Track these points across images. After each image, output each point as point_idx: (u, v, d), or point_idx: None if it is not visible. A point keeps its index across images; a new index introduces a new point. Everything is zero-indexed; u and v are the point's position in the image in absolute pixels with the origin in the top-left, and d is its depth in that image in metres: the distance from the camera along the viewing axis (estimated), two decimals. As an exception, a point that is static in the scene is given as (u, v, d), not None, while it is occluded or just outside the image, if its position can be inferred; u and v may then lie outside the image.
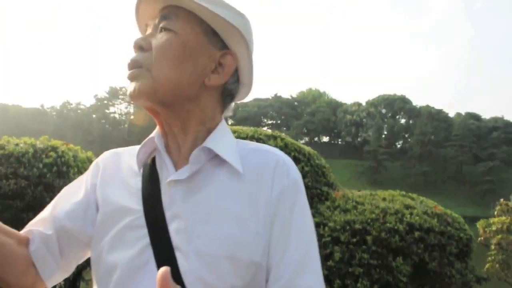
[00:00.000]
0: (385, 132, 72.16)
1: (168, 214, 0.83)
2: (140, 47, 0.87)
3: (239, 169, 0.86)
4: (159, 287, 0.50)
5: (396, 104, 73.13)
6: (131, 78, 0.86)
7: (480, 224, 7.37)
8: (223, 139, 0.90)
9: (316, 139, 79.73)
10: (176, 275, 0.78)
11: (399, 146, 73.27)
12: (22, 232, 0.90)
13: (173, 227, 0.82)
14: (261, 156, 0.91)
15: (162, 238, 0.81)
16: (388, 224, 4.35)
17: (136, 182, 0.90)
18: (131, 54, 0.91)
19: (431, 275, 4.21)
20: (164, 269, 0.50)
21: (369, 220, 4.42)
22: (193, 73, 0.88)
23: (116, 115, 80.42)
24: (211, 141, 0.88)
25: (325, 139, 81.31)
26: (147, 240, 0.82)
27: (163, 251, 0.81)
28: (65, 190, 0.98)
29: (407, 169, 63.31)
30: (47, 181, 4.28)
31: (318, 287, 0.84)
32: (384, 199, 4.98)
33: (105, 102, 79.64)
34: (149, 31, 0.91)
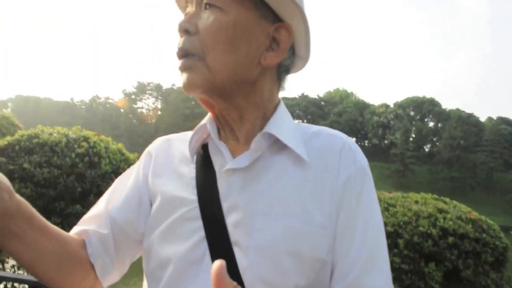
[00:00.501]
0: (413, 135, 70.95)
1: (225, 205, 0.77)
2: (186, 30, 0.79)
3: (304, 155, 0.79)
4: (214, 282, 0.44)
5: (424, 107, 71.78)
6: (183, 69, 0.79)
7: (515, 233, 7.12)
8: (283, 123, 0.83)
9: (342, 140, 78.95)
10: (234, 272, 0.72)
11: (427, 149, 71.92)
12: (77, 230, 0.86)
13: (231, 220, 0.76)
14: (326, 140, 0.83)
15: (218, 231, 0.76)
16: (421, 228, 4.24)
17: (190, 171, 0.84)
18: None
19: (465, 283, 4.07)
20: (219, 262, 0.45)
21: (401, 223, 4.32)
22: (249, 54, 0.80)
23: (144, 110, 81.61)
24: (272, 125, 0.81)
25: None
26: (202, 233, 0.76)
27: (220, 245, 0.75)
28: (118, 182, 0.94)
29: (435, 173, 62.05)
30: (79, 171, 4.34)
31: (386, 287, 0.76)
32: (416, 202, 4.86)
33: (133, 97, 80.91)
34: (189, 8, 0.82)
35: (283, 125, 0.82)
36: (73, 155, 4.39)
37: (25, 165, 4.12)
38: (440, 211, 4.59)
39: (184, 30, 0.79)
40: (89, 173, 4.38)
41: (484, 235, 4.39)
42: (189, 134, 0.91)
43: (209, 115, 0.88)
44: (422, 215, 4.44)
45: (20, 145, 4.35)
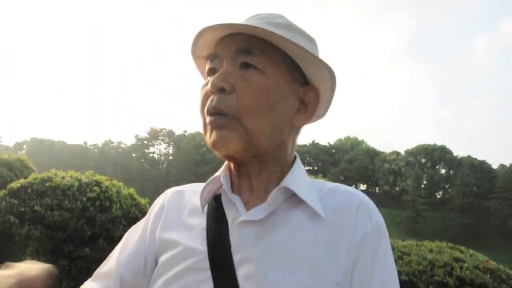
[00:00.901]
0: (424, 182, 70.24)
1: (236, 257, 0.76)
2: (222, 89, 0.77)
3: (320, 211, 0.78)
4: None
5: (435, 154, 71.47)
6: (217, 127, 0.77)
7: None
8: (300, 178, 0.83)
9: (353, 186, 78.39)
10: None
11: (439, 196, 70.90)
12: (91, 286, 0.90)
13: (242, 272, 0.74)
14: (342, 197, 0.83)
15: (228, 284, 0.74)
16: (436, 277, 4.11)
17: (201, 221, 0.84)
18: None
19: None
20: None
21: (416, 272, 4.19)
22: (284, 117, 0.81)
23: (155, 155, 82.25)
24: (289, 180, 0.81)
25: (363, 187, 79.79)
26: (210, 284, 0.75)
27: None
28: (128, 236, 0.95)
29: (448, 220, 60.76)
30: (89, 215, 4.33)
31: None
32: (431, 251, 4.74)
33: (145, 142, 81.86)
34: (216, 64, 0.81)
35: (299, 180, 0.82)
36: (84, 199, 4.40)
37: (36, 208, 4.13)
38: (456, 260, 4.46)
39: (220, 89, 0.77)
40: (100, 217, 4.36)
41: (503, 285, 4.24)
42: (200, 185, 0.91)
43: (223, 167, 0.88)
44: (437, 264, 4.31)
45: (33, 188, 4.37)
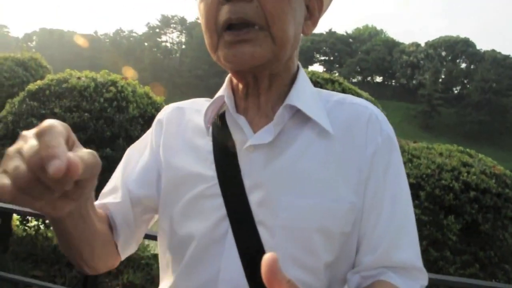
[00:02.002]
0: (443, 76, 68.75)
1: (247, 182, 0.74)
2: None
3: (328, 128, 0.74)
4: (266, 277, 0.36)
5: (457, 47, 68.84)
6: (242, 42, 0.69)
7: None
8: (305, 92, 0.78)
9: (369, 78, 77.36)
10: (259, 252, 0.70)
11: (456, 91, 69.87)
12: (98, 204, 0.84)
13: (255, 198, 0.73)
14: (350, 110, 0.78)
15: (241, 210, 0.73)
16: (443, 181, 4.25)
17: (206, 143, 0.80)
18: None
19: (482, 236, 4.14)
20: (271, 255, 0.36)
21: (424, 176, 4.33)
22: (300, 24, 0.76)
23: (168, 44, 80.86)
24: (294, 96, 0.76)
25: (379, 79, 78.66)
26: (223, 211, 0.74)
27: (243, 224, 0.72)
28: (132, 152, 0.90)
29: (462, 116, 60.62)
30: (107, 115, 4.44)
31: (415, 261, 0.75)
32: (440, 154, 4.84)
33: (157, 30, 79.95)
34: None
35: (305, 94, 0.78)
36: (101, 99, 4.48)
37: (56, 110, 4.24)
38: (465, 164, 4.57)
39: None
40: (118, 117, 4.47)
41: (506, 190, 4.38)
42: (200, 102, 0.89)
43: (225, 85, 0.82)
44: (445, 168, 4.43)
45: (50, 90, 4.44)
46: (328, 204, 0.71)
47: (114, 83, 4.82)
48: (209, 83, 61.68)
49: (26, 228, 4.63)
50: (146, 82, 5.57)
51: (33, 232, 4.54)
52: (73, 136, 0.50)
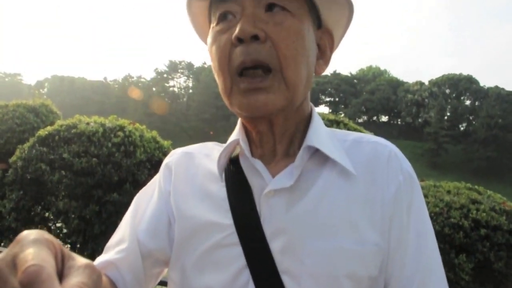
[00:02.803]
0: (448, 114, 68.83)
1: (268, 229, 0.70)
2: (256, 37, 0.66)
3: (349, 168, 0.72)
4: None
5: (461, 85, 69.30)
6: (257, 91, 0.67)
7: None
8: (321, 132, 0.76)
9: (374, 118, 77.73)
10: None
11: (462, 128, 69.70)
12: (104, 261, 0.78)
13: (277, 246, 0.69)
14: (369, 149, 0.76)
15: (263, 259, 0.69)
16: (452, 220, 4.21)
17: (219, 189, 0.76)
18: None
19: (496, 275, 4.04)
20: None
21: (432, 214, 4.29)
22: (313, 65, 0.74)
23: (175, 89, 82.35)
24: (313, 136, 0.73)
25: (384, 118, 78.96)
26: (242, 260, 0.69)
27: (265, 274, 0.68)
28: (140, 200, 0.85)
29: (470, 153, 60.24)
30: (115, 160, 4.50)
31: None
32: (448, 192, 4.81)
33: (165, 75, 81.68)
34: (234, 7, 0.69)
35: (321, 135, 0.76)
36: (109, 144, 4.56)
37: (65, 155, 4.32)
38: (473, 201, 4.53)
39: (253, 36, 0.66)
40: (125, 162, 4.53)
41: (518, 227, 4.32)
42: (209, 146, 0.86)
43: (238, 129, 0.79)
44: (454, 206, 4.40)
45: (60, 135, 4.54)
46: (354, 247, 0.68)
47: (122, 128, 4.92)
48: (216, 126, 62.28)
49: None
50: (153, 126, 5.67)
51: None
52: (64, 250, 0.41)
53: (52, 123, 5.24)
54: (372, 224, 0.70)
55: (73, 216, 4.21)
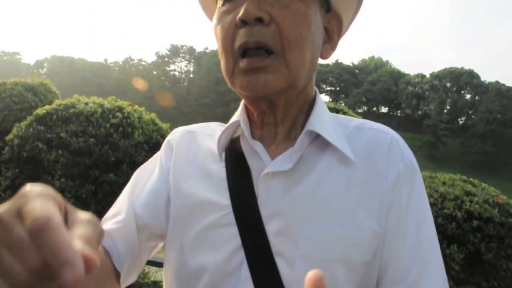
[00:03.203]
0: (448, 107, 68.84)
1: (264, 211, 0.70)
2: (260, 19, 0.66)
3: (350, 154, 0.72)
4: None
5: (462, 79, 69.14)
6: (257, 70, 0.67)
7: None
8: (324, 118, 0.76)
9: (374, 109, 77.67)
10: (277, 285, 0.67)
11: (461, 122, 69.77)
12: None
13: (272, 228, 0.69)
14: (370, 136, 0.76)
15: (257, 240, 0.69)
16: (446, 210, 4.24)
17: (219, 170, 0.77)
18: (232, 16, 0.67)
19: (486, 266, 4.09)
20: (316, 272, 0.37)
21: (426, 205, 4.32)
22: (318, 49, 0.74)
23: (176, 73, 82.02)
24: (314, 121, 0.73)
25: (384, 109, 78.89)
26: (238, 241, 0.70)
27: (259, 255, 0.69)
28: (139, 175, 0.85)
29: (468, 147, 60.38)
30: (113, 141, 4.51)
31: None
32: (444, 183, 4.84)
33: (166, 59, 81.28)
34: None
35: (324, 120, 0.75)
36: (107, 125, 4.57)
37: (62, 134, 4.32)
38: (468, 193, 4.56)
39: (257, 19, 0.66)
40: (123, 143, 4.55)
41: (510, 219, 4.35)
42: (213, 126, 0.87)
43: (240, 110, 0.80)
44: (448, 197, 4.43)
45: (58, 114, 4.54)
46: (350, 233, 0.68)
47: (120, 109, 4.92)
48: (216, 112, 62.12)
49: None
50: (153, 110, 5.66)
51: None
52: (67, 205, 0.41)
53: (50, 103, 5.23)
54: (370, 211, 0.69)
55: (69, 195, 4.23)
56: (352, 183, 0.71)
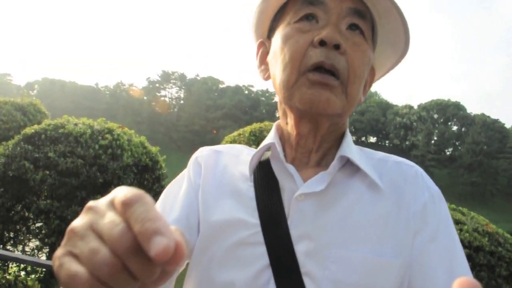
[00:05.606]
0: (435, 138, 69.78)
1: (294, 232, 0.72)
2: (338, 46, 0.70)
3: (378, 181, 0.75)
4: None
5: (449, 110, 70.40)
6: (324, 85, 0.70)
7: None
8: (352, 146, 0.80)
9: (363, 139, 78.38)
10: None
11: (448, 153, 70.61)
12: None
13: (302, 248, 0.71)
14: (396, 168, 0.80)
15: (286, 259, 0.70)
16: (435, 239, 4.23)
17: (247, 189, 0.78)
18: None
19: (477, 296, 4.05)
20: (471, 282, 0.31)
21: (415, 233, 4.31)
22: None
23: (167, 99, 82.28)
24: (346, 149, 0.77)
25: (372, 139, 79.62)
26: (266, 259, 0.71)
27: (287, 274, 0.70)
28: (169, 192, 0.86)
29: (455, 177, 60.99)
30: (101, 162, 4.46)
31: None
32: (433, 212, 4.83)
33: (157, 85, 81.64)
34: (319, 12, 0.73)
35: (352, 148, 0.79)
36: (96, 146, 4.52)
37: (50, 154, 4.26)
38: (457, 222, 4.56)
39: (336, 45, 0.70)
40: (111, 164, 4.49)
41: (500, 248, 4.35)
42: (238, 148, 0.89)
43: (274, 133, 0.83)
44: (438, 225, 4.42)
45: (46, 134, 4.49)
46: (376, 258, 0.69)
47: (110, 131, 4.89)
48: (205, 138, 62.16)
49: (6, 274, 4.49)
50: (142, 134, 5.64)
51: (13, 278, 4.40)
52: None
53: (39, 123, 5.19)
54: (396, 238, 0.71)
55: (54, 216, 4.13)
56: (380, 210, 0.73)
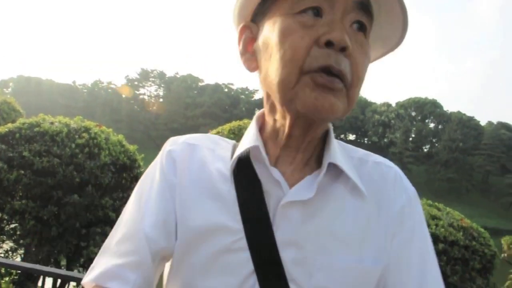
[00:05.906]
0: (413, 135, 70.95)
1: (280, 238, 0.70)
2: (344, 48, 0.66)
3: (362, 187, 0.74)
4: None
5: (426, 108, 71.59)
6: (332, 90, 0.66)
7: (505, 241, 7.27)
8: (336, 148, 0.77)
9: (342, 136, 79.11)
10: None
11: (425, 150, 71.92)
12: (110, 267, 0.72)
13: (288, 256, 0.69)
14: (376, 170, 0.79)
15: (271, 267, 0.69)
16: (412, 234, 4.30)
17: (228, 191, 0.74)
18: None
19: (451, 289, 4.15)
20: None
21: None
22: None
23: (145, 97, 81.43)
24: (333, 153, 0.74)
25: (352, 137, 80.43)
26: (250, 266, 0.69)
27: (273, 282, 0.68)
28: (143, 188, 0.79)
29: (432, 174, 62.25)
30: (78, 161, 4.39)
31: None
32: (409, 208, 4.92)
33: (136, 83, 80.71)
34: (325, 5, 0.67)
35: (336, 150, 0.76)
36: (73, 145, 4.44)
37: (25, 153, 4.17)
38: (433, 217, 4.66)
39: (343, 48, 0.66)
40: (88, 163, 4.42)
41: (474, 242, 4.46)
42: (212, 138, 0.84)
43: (254, 131, 0.78)
44: (414, 220, 4.50)
45: (21, 133, 4.39)
46: (359, 265, 0.70)
47: (87, 129, 4.80)
48: (184, 136, 61.71)
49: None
50: (121, 132, 5.56)
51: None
52: None
53: (14, 121, 5.07)
54: (376, 242, 0.72)
55: (29, 217, 4.05)
56: (362, 216, 0.73)
